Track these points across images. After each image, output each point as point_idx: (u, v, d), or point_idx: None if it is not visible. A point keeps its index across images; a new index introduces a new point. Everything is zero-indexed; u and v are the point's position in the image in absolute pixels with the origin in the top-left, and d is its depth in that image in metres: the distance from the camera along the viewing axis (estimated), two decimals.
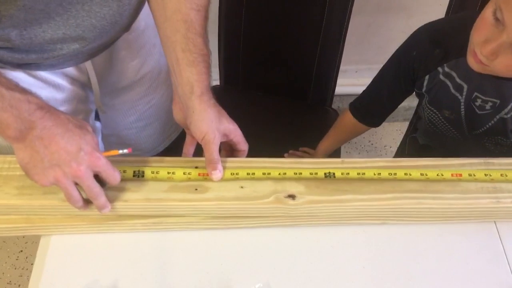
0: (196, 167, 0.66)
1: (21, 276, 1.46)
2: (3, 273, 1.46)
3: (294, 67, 1.26)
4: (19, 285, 1.44)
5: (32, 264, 0.67)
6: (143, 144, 0.99)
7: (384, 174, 0.66)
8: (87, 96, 0.84)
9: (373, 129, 1.82)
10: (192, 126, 0.66)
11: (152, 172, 0.65)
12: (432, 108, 0.87)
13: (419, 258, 0.66)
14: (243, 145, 0.70)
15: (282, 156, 1.17)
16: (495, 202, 0.65)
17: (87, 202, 0.60)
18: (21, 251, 1.51)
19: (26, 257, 1.49)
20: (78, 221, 0.65)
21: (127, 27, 0.75)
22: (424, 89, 0.85)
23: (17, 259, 1.49)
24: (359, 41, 1.62)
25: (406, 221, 0.67)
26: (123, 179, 0.63)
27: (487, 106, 0.79)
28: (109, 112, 0.91)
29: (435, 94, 0.84)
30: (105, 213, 0.61)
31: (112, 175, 0.59)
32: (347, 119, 1.02)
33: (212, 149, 0.64)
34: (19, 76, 0.71)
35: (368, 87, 0.97)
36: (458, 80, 0.80)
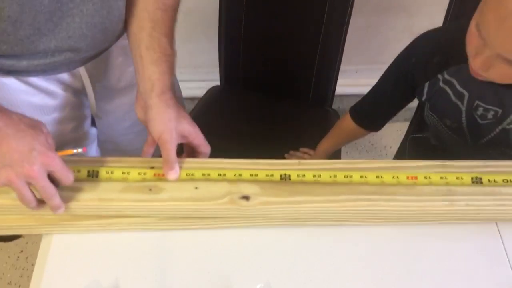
0: (152, 167, 0.66)
1: (21, 276, 1.46)
2: (3, 274, 1.46)
3: (294, 67, 1.26)
4: (19, 286, 1.44)
5: (32, 264, 0.67)
6: (139, 150, 0.99)
7: (340, 176, 0.66)
8: (81, 102, 0.84)
9: None
10: (150, 124, 0.66)
11: (107, 172, 0.65)
12: (434, 116, 0.86)
13: (419, 258, 0.66)
14: (204, 148, 0.69)
15: (283, 157, 1.17)
16: (448, 204, 0.65)
17: (41, 202, 0.59)
18: (22, 251, 1.51)
19: (27, 258, 1.49)
20: (32, 221, 0.65)
21: (119, 32, 0.75)
22: (424, 97, 0.85)
23: (17, 260, 1.49)
24: (359, 41, 1.62)
25: (362, 223, 0.67)
26: (77, 179, 0.62)
27: (489, 115, 0.78)
28: (105, 118, 0.90)
29: (436, 102, 0.84)
30: (59, 213, 0.60)
31: (66, 175, 0.57)
32: (347, 123, 1.02)
33: (168, 148, 0.64)
34: (10, 82, 0.71)
35: (369, 92, 0.97)
36: (459, 88, 0.79)
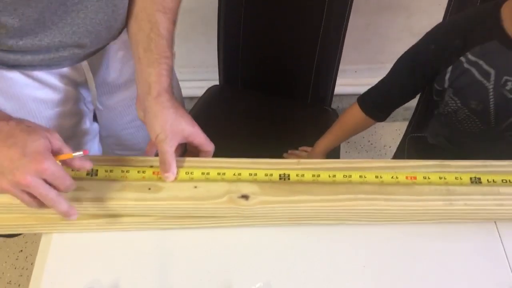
0: (152, 166, 0.66)
1: (21, 275, 1.46)
2: (3, 273, 1.46)
3: (293, 67, 1.26)
4: (19, 285, 1.44)
5: (32, 263, 0.68)
6: (141, 144, 0.99)
7: (339, 176, 0.66)
8: (83, 96, 0.84)
9: (372, 129, 1.84)
10: (147, 125, 0.66)
11: (106, 171, 0.65)
12: (457, 101, 0.86)
13: (418, 257, 0.66)
14: (207, 146, 0.69)
15: (282, 156, 1.17)
16: (447, 204, 0.65)
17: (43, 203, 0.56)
18: (21, 250, 1.51)
19: (26, 257, 1.49)
20: (31, 220, 0.65)
21: (122, 28, 0.75)
22: (446, 84, 0.84)
23: (17, 259, 1.49)
24: (358, 41, 1.62)
25: (361, 223, 0.67)
26: (76, 178, 0.61)
27: None
28: (106, 112, 0.91)
29: (460, 85, 0.83)
30: (72, 219, 0.58)
31: (63, 183, 0.54)
32: (354, 113, 1.01)
33: (164, 149, 0.63)
34: (14, 77, 0.71)
35: (379, 82, 0.97)
36: (485, 66, 0.79)
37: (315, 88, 1.28)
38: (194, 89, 1.51)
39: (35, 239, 1.50)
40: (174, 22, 0.70)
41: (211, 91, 1.35)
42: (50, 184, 0.54)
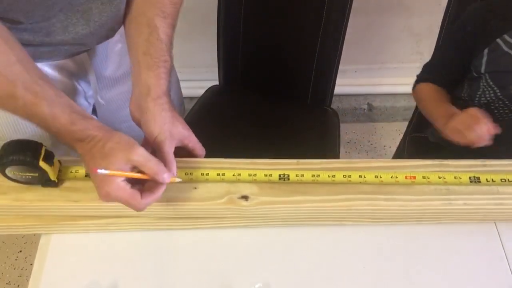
0: None
1: (20, 276, 1.46)
2: (2, 273, 1.46)
3: (293, 67, 1.26)
4: (18, 285, 1.44)
5: (31, 264, 0.67)
6: (140, 137, 0.99)
7: (339, 176, 0.66)
8: (83, 90, 0.84)
9: (372, 129, 1.84)
10: (145, 127, 0.66)
11: None
12: (494, 87, 0.83)
13: (419, 258, 0.66)
14: (199, 151, 0.70)
15: (282, 157, 1.17)
16: (447, 204, 0.65)
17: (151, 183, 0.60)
18: (20, 251, 1.51)
19: (25, 257, 1.49)
20: (30, 221, 0.65)
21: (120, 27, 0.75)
22: (483, 68, 0.82)
23: (16, 259, 1.49)
24: (358, 41, 1.62)
25: (361, 223, 0.67)
26: (75, 179, 0.63)
27: None
28: (105, 106, 0.91)
29: (498, 70, 0.81)
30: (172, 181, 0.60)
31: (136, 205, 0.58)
32: (424, 88, 0.95)
33: (165, 150, 0.63)
34: None
35: (425, 71, 0.94)
36: None
37: (315, 88, 1.28)
38: (194, 89, 1.50)
39: (34, 239, 1.50)
40: (173, 27, 0.71)
41: (211, 91, 1.34)
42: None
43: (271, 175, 0.66)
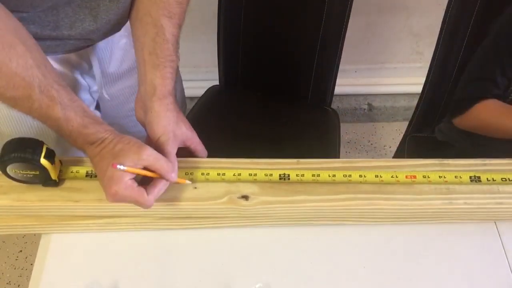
0: None
1: (20, 276, 1.46)
2: (2, 273, 1.46)
3: (293, 67, 1.26)
4: (19, 285, 1.44)
5: (31, 264, 0.68)
6: (143, 132, 1.00)
7: (339, 176, 0.66)
8: (88, 85, 0.84)
9: (372, 129, 1.84)
10: (149, 126, 0.66)
11: None
12: None
13: (419, 258, 0.66)
14: (202, 153, 0.70)
15: (282, 156, 1.17)
16: (447, 203, 0.65)
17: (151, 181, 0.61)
18: (21, 251, 1.51)
19: (26, 257, 1.49)
20: (31, 221, 0.65)
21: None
22: None
23: (16, 259, 1.49)
24: (358, 41, 1.62)
25: (361, 222, 0.67)
26: (75, 179, 0.63)
27: None
28: (109, 101, 0.91)
29: None
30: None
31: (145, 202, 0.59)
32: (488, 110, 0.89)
33: (168, 150, 0.64)
34: None
35: (477, 90, 0.89)
36: None
37: (315, 88, 1.28)
38: (194, 89, 1.50)
39: (34, 239, 1.50)
40: (179, 26, 0.71)
41: (211, 91, 1.35)
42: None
43: (271, 174, 0.66)
